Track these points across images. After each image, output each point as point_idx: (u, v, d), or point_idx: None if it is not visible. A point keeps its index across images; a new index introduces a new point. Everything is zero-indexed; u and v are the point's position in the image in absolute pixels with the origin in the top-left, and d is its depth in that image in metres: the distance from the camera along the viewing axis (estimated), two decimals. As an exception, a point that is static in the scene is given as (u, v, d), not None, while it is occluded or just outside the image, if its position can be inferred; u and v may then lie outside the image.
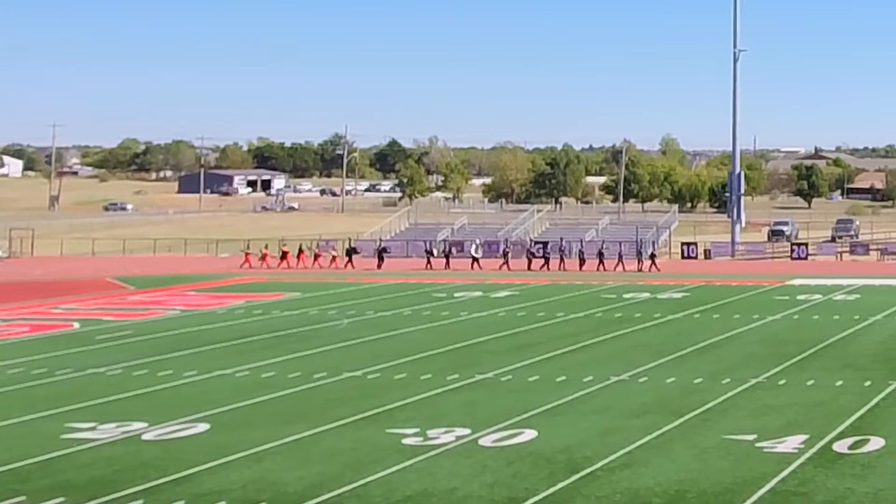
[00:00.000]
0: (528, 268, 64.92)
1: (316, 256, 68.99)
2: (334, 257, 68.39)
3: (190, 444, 20.56)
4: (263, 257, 67.63)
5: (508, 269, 64.34)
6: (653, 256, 66.97)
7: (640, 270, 63.62)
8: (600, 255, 65.41)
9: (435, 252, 69.20)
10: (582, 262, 65.60)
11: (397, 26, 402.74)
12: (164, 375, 28.05)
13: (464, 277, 58.27)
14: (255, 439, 20.72)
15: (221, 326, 38.22)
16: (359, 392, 25.74)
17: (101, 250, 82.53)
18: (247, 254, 68.41)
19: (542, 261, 66.09)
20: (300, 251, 68.94)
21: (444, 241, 75.56)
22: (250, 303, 45.70)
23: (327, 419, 22.51)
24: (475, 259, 66.11)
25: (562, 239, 72.44)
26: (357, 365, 29.44)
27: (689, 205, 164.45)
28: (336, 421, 22.36)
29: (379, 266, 66.15)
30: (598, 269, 63.36)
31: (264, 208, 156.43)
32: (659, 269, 63.54)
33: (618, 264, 64.75)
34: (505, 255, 67.09)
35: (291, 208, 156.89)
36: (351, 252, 68.64)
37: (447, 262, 66.75)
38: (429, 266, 66.01)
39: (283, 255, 68.01)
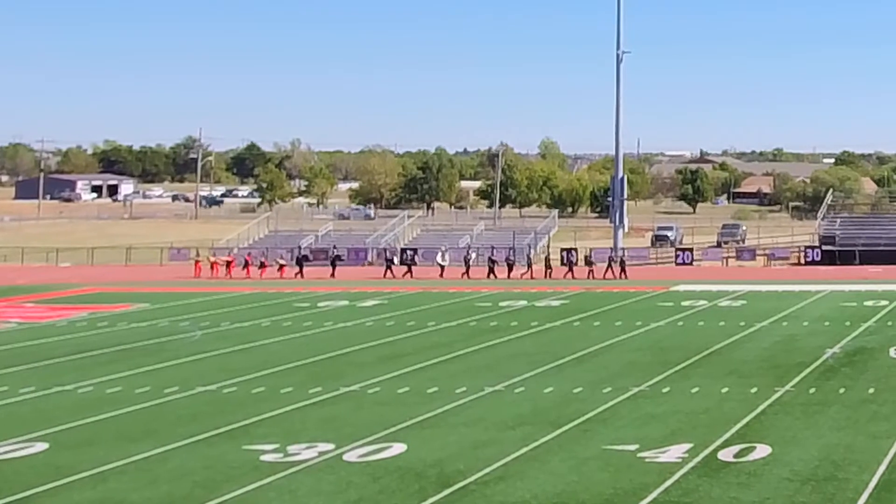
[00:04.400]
0: (488, 276, 65.12)
1: (262, 265, 67.86)
2: (282, 266, 67.35)
3: (26, 465, 20.15)
4: (213, 266, 67.07)
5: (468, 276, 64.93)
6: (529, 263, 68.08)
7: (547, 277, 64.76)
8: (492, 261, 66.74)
9: (396, 260, 68.97)
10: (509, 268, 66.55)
11: (254, 27, 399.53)
12: (-3, 392, 27.47)
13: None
14: (98, 458, 20.41)
15: (61, 340, 37.50)
16: (213, 407, 25.50)
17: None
18: (197, 262, 68.11)
19: (525, 267, 66.87)
20: (246, 262, 68.18)
21: (406, 248, 75.04)
22: (94, 315, 44.94)
23: (177, 436, 22.26)
24: (442, 267, 66.08)
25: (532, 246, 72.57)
26: (211, 379, 29.16)
27: (569, 210, 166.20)
28: (187, 438, 22.13)
29: (332, 274, 65.84)
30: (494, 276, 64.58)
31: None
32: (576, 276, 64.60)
33: (510, 271, 65.93)
34: (466, 262, 67.39)
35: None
36: (301, 261, 68.28)
37: (409, 271, 66.49)
38: (388, 274, 65.75)
39: (228, 265, 67.35)
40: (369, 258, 76.87)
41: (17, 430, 22.84)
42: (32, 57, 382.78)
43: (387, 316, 44.36)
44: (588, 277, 64.39)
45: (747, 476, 19.27)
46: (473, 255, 69.18)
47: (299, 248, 74.26)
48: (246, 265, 67.22)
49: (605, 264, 66.50)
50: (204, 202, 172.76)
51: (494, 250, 70.68)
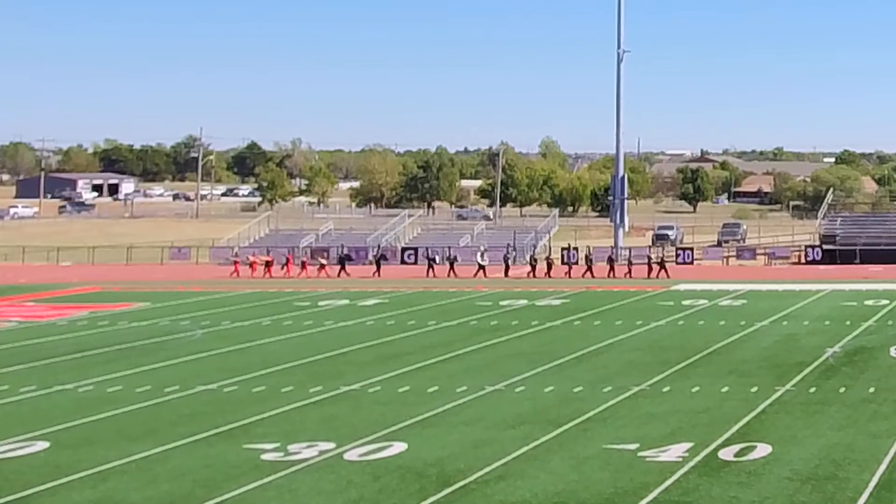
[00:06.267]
0: (529, 275, 65.24)
1: (303, 265, 67.63)
2: (322, 266, 67.19)
3: (27, 464, 20.14)
4: (252, 265, 66.77)
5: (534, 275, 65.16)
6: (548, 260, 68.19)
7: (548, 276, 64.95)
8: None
9: (437, 259, 69.00)
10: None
11: (254, 27, 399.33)
12: (-3, 391, 27.47)
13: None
14: (98, 457, 20.41)
15: (62, 339, 37.50)
16: (213, 406, 25.48)
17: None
18: (235, 262, 67.96)
19: (585, 267, 66.75)
20: (287, 260, 68.14)
21: (448, 247, 75.04)
22: (95, 314, 44.94)
23: (178, 435, 22.26)
24: (481, 266, 66.01)
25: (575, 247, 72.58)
26: (211, 378, 29.16)
27: (570, 209, 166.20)
28: (187, 437, 22.13)
29: (377, 273, 65.67)
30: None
31: None
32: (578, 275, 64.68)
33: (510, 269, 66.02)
34: (506, 261, 67.31)
35: None
36: (344, 260, 68.16)
37: (451, 270, 66.22)
38: (431, 274, 65.74)
39: (268, 264, 67.05)
40: (370, 257, 76.78)
41: (17, 429, 22.83)
42: (32, 57, 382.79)
43: (387, 315, 44.34)
44: (625, 277, 64.72)
45: (748, 475, 19.26)
46: (514, 255, 69.33)
47: (342, 246, 74.14)
48: (286, 264, 67.13)
49: (646, 264, 66.61)
50: (68, 207, 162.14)
51: (535, 249, 71.04)
